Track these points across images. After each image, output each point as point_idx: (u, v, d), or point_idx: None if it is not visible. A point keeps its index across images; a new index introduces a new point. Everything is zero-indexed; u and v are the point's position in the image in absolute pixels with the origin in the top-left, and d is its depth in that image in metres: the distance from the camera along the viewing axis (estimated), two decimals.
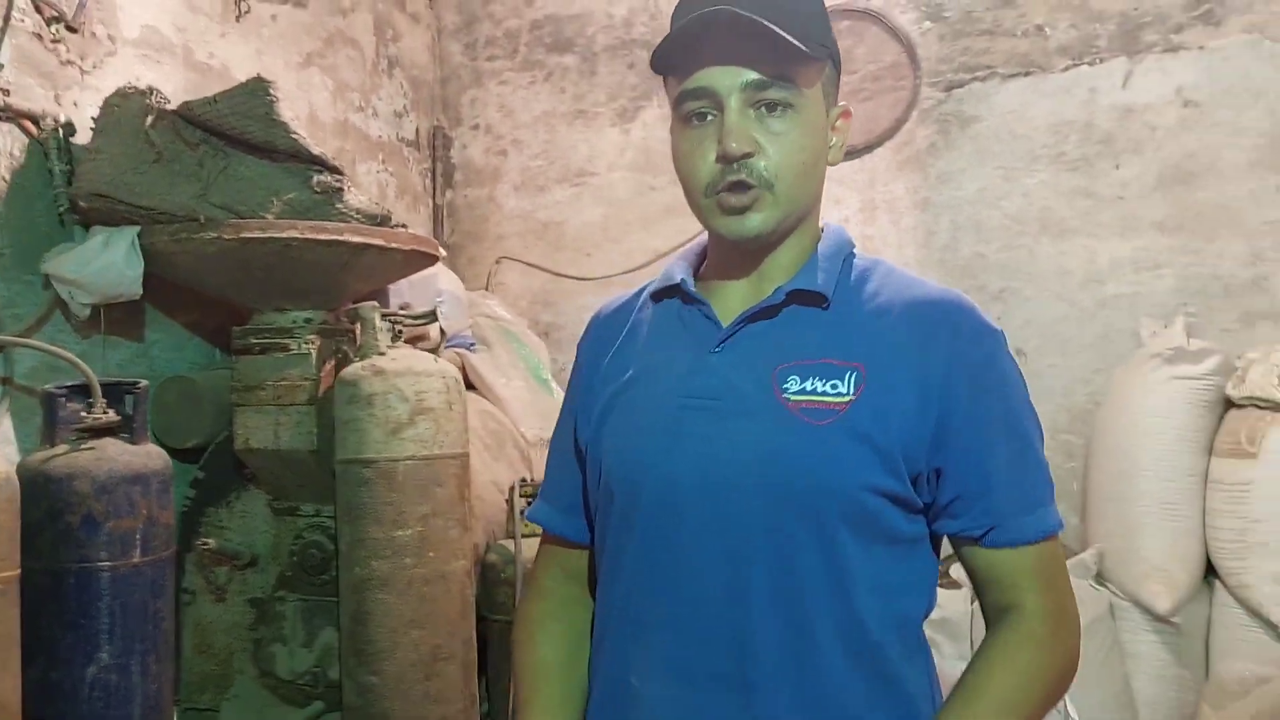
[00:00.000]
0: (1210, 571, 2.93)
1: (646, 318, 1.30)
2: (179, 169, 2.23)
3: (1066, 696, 2.39)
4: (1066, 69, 3.35)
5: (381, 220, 2.36)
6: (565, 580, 1.36)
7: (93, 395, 2.00)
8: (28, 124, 2.25)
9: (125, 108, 2.22)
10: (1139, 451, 2.95)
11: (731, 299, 1.22)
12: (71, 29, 2.32)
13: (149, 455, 2.04)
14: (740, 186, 1.12)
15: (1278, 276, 3.12)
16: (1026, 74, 3.41)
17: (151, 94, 2.24)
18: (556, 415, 3.37)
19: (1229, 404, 2.94)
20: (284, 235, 2.20)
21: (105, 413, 2.00)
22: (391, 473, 2.24)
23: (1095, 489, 3.11)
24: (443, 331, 2.83)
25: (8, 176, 2.23)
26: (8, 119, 2.22)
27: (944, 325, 1.15)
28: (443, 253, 2.67)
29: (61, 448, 1.95)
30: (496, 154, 4.13)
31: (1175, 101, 3.22)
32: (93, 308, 2.28)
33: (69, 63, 2.34)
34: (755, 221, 1.14)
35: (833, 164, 1.23)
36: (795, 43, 1.08)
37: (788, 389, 1.12)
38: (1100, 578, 3.01)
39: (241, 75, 2.92)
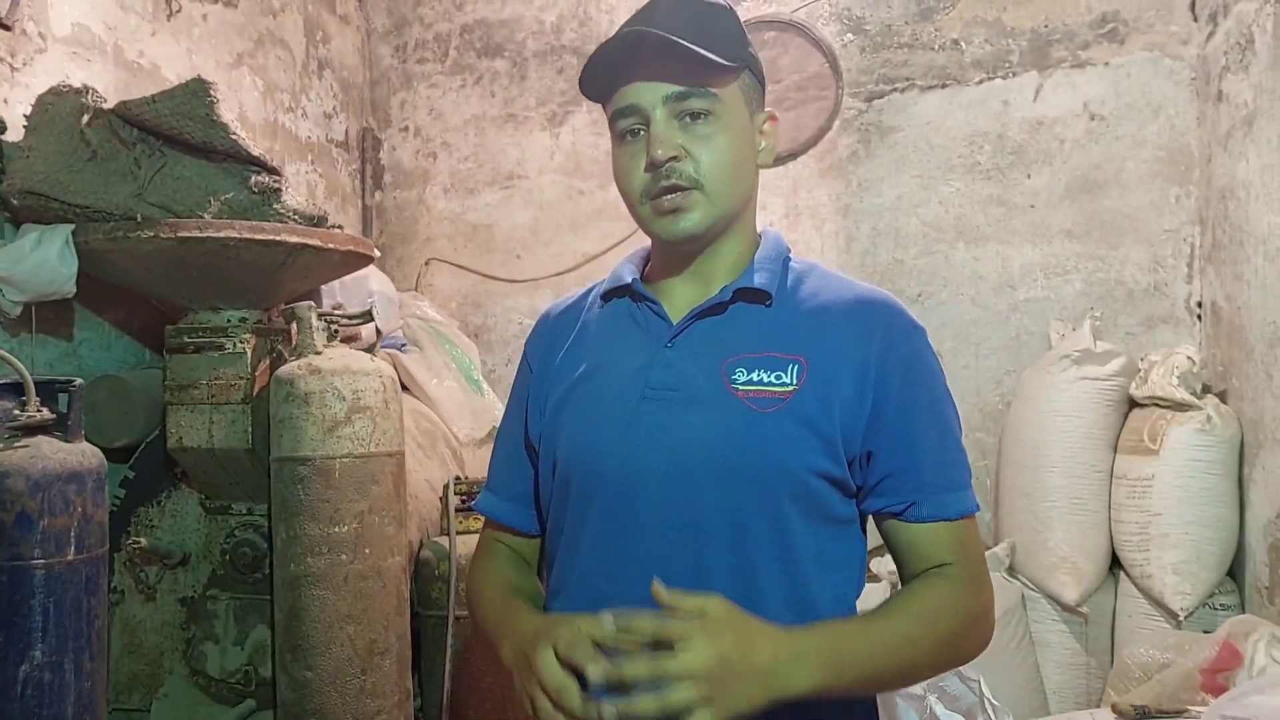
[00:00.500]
0: (1115, 563, 3.06)
1: (596, 316, 1.38)
2: (115, 168, 2.22)
3: (982, 680, 2.50)
4: (981, 82, 3.49)
5: (318, 221, 2.37)
6: (510, 551, 1.44)
7: (26, 393, 1.99)
8: None
9: (59, 106, 2.21)
10: (1048, 449, 3.07)
11: (678, 298, 1.31)
12: (5, 27, 2.30)
13: (84, 453, 2.03)
14: (672, 189, 1.21)
15: (1177, 283, 3.28)
16: (943, 86, 3.53)
17: (87, 93, 2.23)
18: (487, 415, 3.42)
19: (1133, 403, 3.07)
20: (222, 235, 2.21)
21: (39, 411, 1.98)
22: (328, 470, 2.27)
23: (1007, 485, 3.22)
24: (378, 331, 2.84)
25: None
26: None
27: (878, 321, 1.25)
28: (377, 253, 2.70)
29: None
30: (426, 156, 4.15)
31: (1082, 115, 3.37)
32: (23, 306, 2.26)
33: None
34: (689, 221, 1.23)
35: (763, 166, 1.33)
36: (706, 53, 1.18)
37: (736, 380, 1.21)
38: (1012, 570, 3.12)
39: (172, 74, 2.92)
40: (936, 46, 3.54)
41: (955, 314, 3.51)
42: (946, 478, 1.24)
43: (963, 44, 3.51)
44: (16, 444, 1.94)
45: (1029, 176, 3.43)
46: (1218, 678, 2.33)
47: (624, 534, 1.23)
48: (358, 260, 2.61)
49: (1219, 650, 2.37)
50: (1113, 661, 2.95)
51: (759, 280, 1.27)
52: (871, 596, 2.93)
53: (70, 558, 1.97)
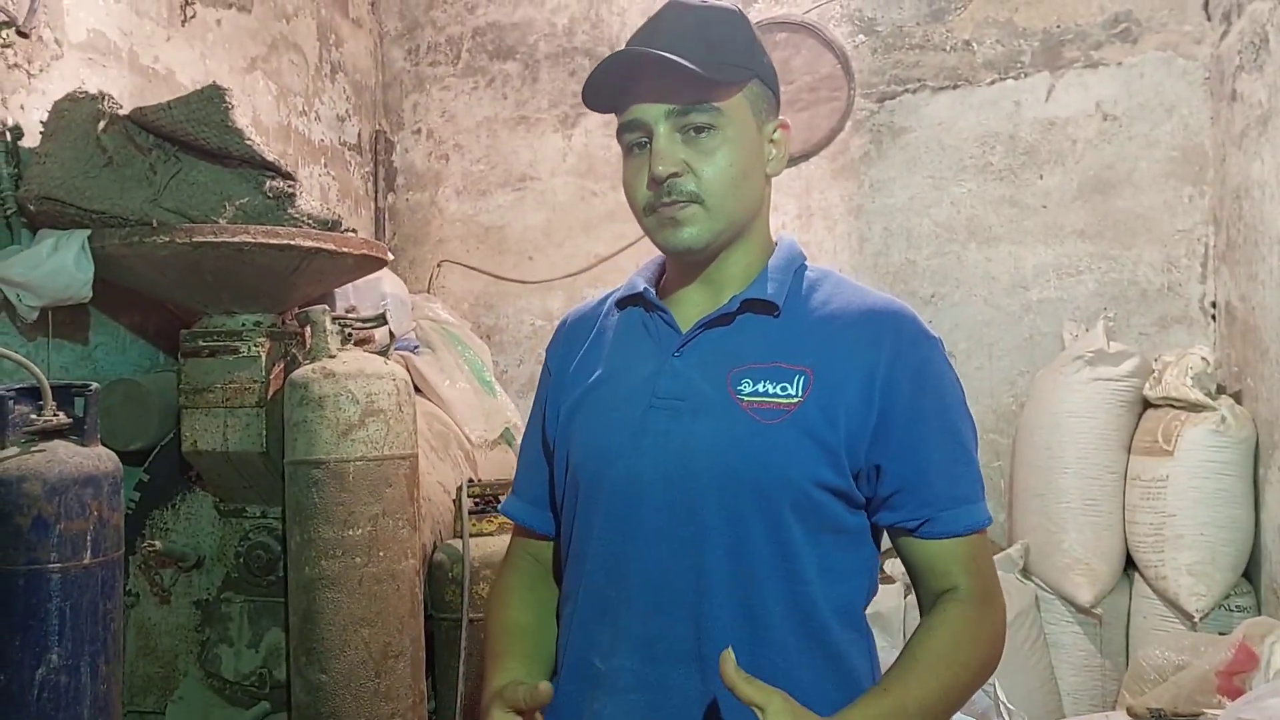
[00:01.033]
0: (1130, 564, 3.06)
1: (611, 324, 1.39)
2: (130, 173, 2.23)
3: (996, 684, 2.49)
4: (993, 83, 3.48)
5: (332, 225, 2.38)
6: (534, 563, 1.44)
7: (43, 397, 2.00)
8: None
9: (76, 112, 2.22)
10: (1062, 450, 3.07)
11: (689, 307, 1.31)
12: (22, 34, 2.31)
13: (99, 457, 2.04)
14: (672, 204, 1.21)
15: (1191, 283, 3.27)
16: (955, 87, 3.53)
17: (103, 99, 2.24)
18: (500, 416, 3.42)
19: (1146, 404, 3.07)
20: (237, 239, 2.22)
21: (56, 415, 2.00)
22: (342, 473, 2.27)
23: (1020, 486, 3.22)
24: (391, 334, 2.85)
25: None
26: None
27: (888, 331, 1.24)
28: (390, 257, 2.70)
29: (12, 450, 1.95)
30: (438, 158, 4.16)
31: (1095, 115, 3.37)
32: (39, 311, 2.27)
33: (16, 66, 2.34)
34: (688, 234, 1.23)
35: (773, 175, 1.32)
36: (701, 72, 1.17)
37: (741, 390, 1.21)
38: (1026, 571, 3.12)
39: (186, 80, 2.93)
40: (948, 47, 3.53)
41: (968, 315, 3.50)
42: (958, 491, 1.23)
43: (974, 45, 3.50)
44: (33, 448, 1.96)
45: (1041, 177, 3.42)
46: (1234, 680, 2.32)
47: (628, 541, 1.23)
48: (371, 264, 2.62)
49: (1235, 652, 2.37)
50: (1128, 663, 2.95)
51: (768, 291, 1.26)
52: (886, 599, 2.96)
53: (86, 561, 1.98)
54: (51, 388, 2.01)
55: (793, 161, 3.64)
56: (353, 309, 2.80)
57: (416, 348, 3.41)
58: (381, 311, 2.65)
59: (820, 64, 3.64)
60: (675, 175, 1.20)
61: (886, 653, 1.23)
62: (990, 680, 2.47)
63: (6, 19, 2.29)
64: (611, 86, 1.25)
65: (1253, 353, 2.87)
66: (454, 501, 2.81)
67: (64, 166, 2.20)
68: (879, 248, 3.61)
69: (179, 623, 2.58)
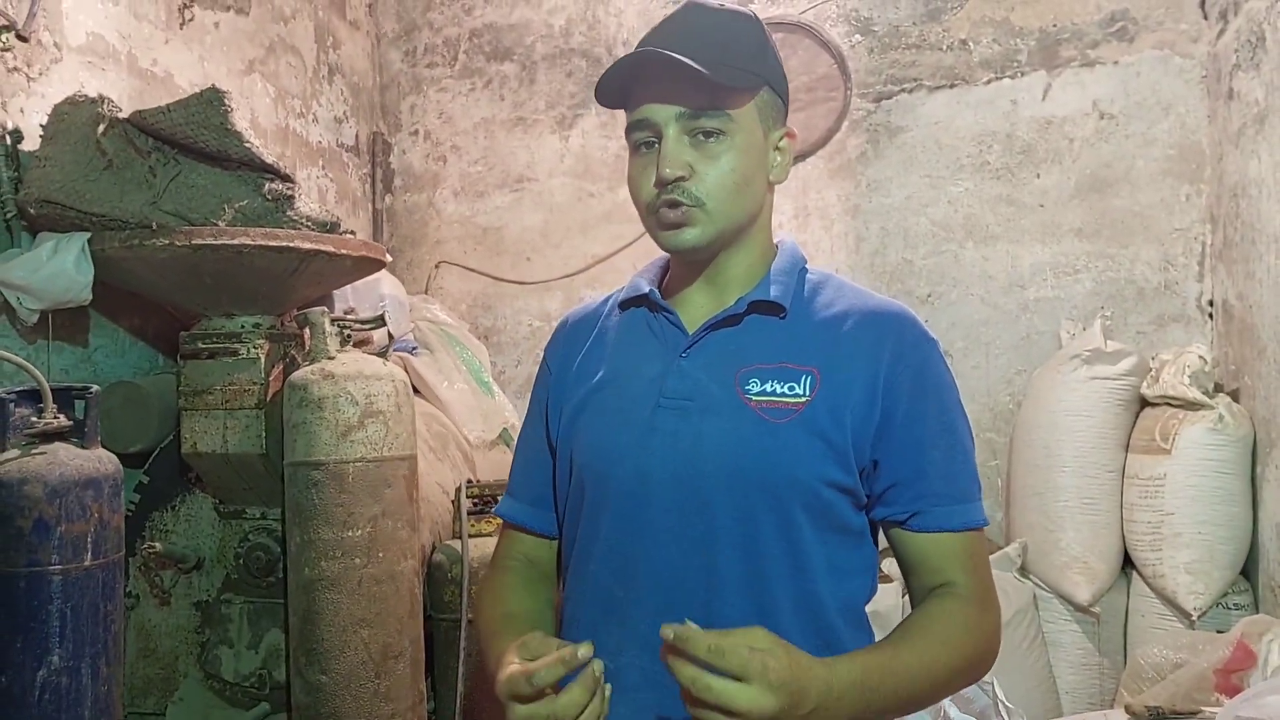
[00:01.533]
0: (1128, 563, 3.06)
1: (614, 324, 1.40)
2: (130, 176, 2.24)
3: (995, 682, 2.50)
4: (989, 82, 3.49)
5: (331, 227, 2.39)
6: (528, 563, 1.44)
7: (43, 400, 2.01)
8: None
9: (75, 115, 2.23)
10: (1059, 449, 3.07)
11: (693, 308, 1.32)
12: (22, 38, 2.32)
13: (100, 460, 2.05)
14: (674, 204, 1.22)
15: (1188, 281, 3.28)
16: (951, 86, 3.53)
17: (103, 102, 2.24)
18: (498, 417, 3.43)
19: (1144, 402, 3.07)
20: (236, 242, 2.22)
21: (56, 417, 2.01)
22: (342, 474, 2.28)
23: (1018, 485, 3.22)
24: (390, 336, 2.86)
25: None
26: None
27: (889, 331, 1.26)
28: (389, 258, 2.71)
29: (12, 452, 1.95)
30: (436, 160, 4.16)
31: (1092, 114, 3.37)
32: (40, 313, 2.28)
33: (15, 70, 2.34)
34: (689, 236, 1.24)
35: (777, 182, 1.33)
36: (714, 79, 1.18)
37: (749, 390, 1.22)
38: (1024, 570, 3.12)
39: (184, 82, 2.93)
40: (944, 47, 3.54)
41: (965, 314, 3.51)
42: (953, 488, 1.24)
43: (971, 44, 3.51)
44: (34, 451, 1.97)
45: (1038, 176, 3.43)
46: (1232, 678, 2.32)
47: (636, 540, 1.24)
48: (370, 265, 2.63)
49: (1233, 650, 2.37)
50: (1126, 662, 2.94)
51: (773, 292, 1.28)
52: (884, 598, 2.96)
53: (87, 563, 1.99)
54: (52, 390, 2.02)
55: None
56: (351, 310, 2.81)
57: (415, 349, 3.41)
58: (380, 313, 2.66)
59: (817, 64, 3.64)
60: (681, 179, 1.21)
61: None
62: (989, 678, 2.49)
63: (6, 23, 2.29)
64: (624, 84, 1.26)
65: (1250, 351, 2.88)
66: (453, 502, 2.81)
67: (64, 170, 2.20)
68: (876, 247, 3.62)
69: (179, 624, 2.59)
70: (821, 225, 3.68)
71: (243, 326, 2.47)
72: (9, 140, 2.28)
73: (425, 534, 2.64)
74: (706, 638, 0.99)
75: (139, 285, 2.44)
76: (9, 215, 2.29)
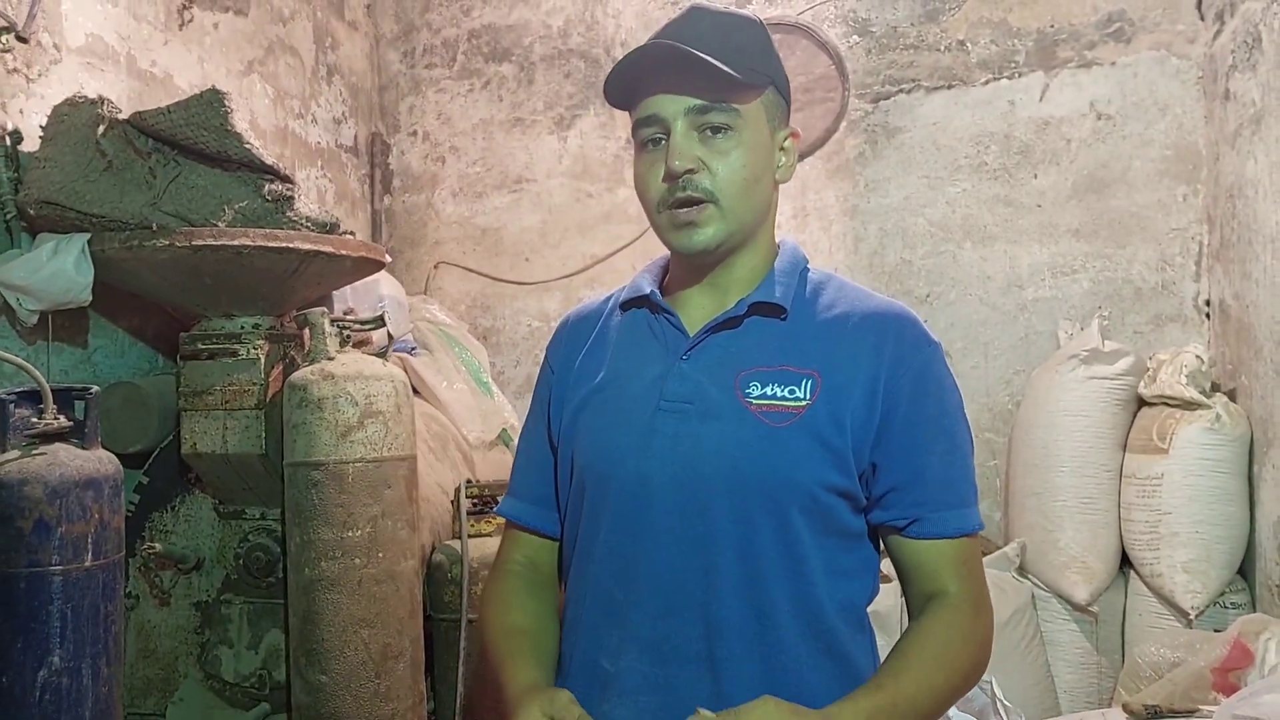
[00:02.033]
0: (1125, 562, 3.07)
1: (615, 325, 1.39)
2: (130, 177, 2.24)
3: (994, 681, 2.50)
4: (987, 83, 3.50)
5: (330, 228, 2.39)
6: (530, 565, 1.43)
7: (43, 401, 2.01)
8: None
9: (75, 116, 2.23)
10: (1058, 448, 3.08)
11: (695, 310, 1.32)
12: (21, 39, 2.32)
13: (100, 460, 2.05)
14: (688, 202, 1.22)
15: (1185, 281, 3.29)
16: (949, 87, 3.54)
17: (103, 103, 2.25)
18: (497, 417, 3.43)
19: (1141, 402, 3.08)
20: (236, 243, 2.22)
21: (56, 418, 2.01)
22: (341, 475, 2.28)
23: (1016, 485, 3.23)
24: (390, 336, 2.86)
25: None
26: None
27: (890, 335, 1.26)
28: (388, 259, 2.71)
29: (13, 453, 1.95)
30: (434, 160, 4.17)
31: (1089, 114, 3.38)
32: (39, 314, 2.28)
33: (15, 71, 2.35)
34: (704, 236, 1.24)
35: (782, 181, 1.34)
36: (727, 70, 1.18)
37: (749, 393, 1.23)
38: (1022, 570, 3.13)
39: (184, 83, 2.94)
40: (942, 47, 3.55)
41: (963, 314, 3.51)
42: (951, 494, 1.25)
43: (968, 45, 3.52)
44: (34, 451, 1.97)
45: (1036, 176, 3.44)
46: (1229, 677, 2.33)
47: (636, 542, 1.24)
48: (369, 266, 2.63)
49: (1230, 649, 2.38)
50: (1124, 661, 2.96)
51: (775, 294, 1.28)
52: (884, 599, 2.96)
53: (88, 564, 1.99)
54: (52, 391, 2.02)
55: None
56: (351, 311, 2.81)
57: (414, 349, 3.42)
58: (379, 313, 2.66)
59: (815, 65, 3.65)
60: (691, 171, 1.22)
61: (885, 651, 1.24)
62: (987, 677, 2.49)
63: (6, 24, 2.29)
64: (631, 81, 1.25)
65: (1247, 351, 2.89)
66: (452, 502, 2.81)
67: (63, 171, 2.20)
68: (874, 247, 3.62)
69: (179, 624, 2.59)
70: (820, 226, 3.68)
71: (242, 327, 2.47)
72: (9, 141, 2.28)
73: (425, 534, 2.64)
74: None
75: (139, 286, 2.45)
76: (9, 216, 2.29)
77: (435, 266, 4.14)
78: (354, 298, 2.99)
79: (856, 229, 3.65)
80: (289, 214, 2.31)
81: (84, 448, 2.05)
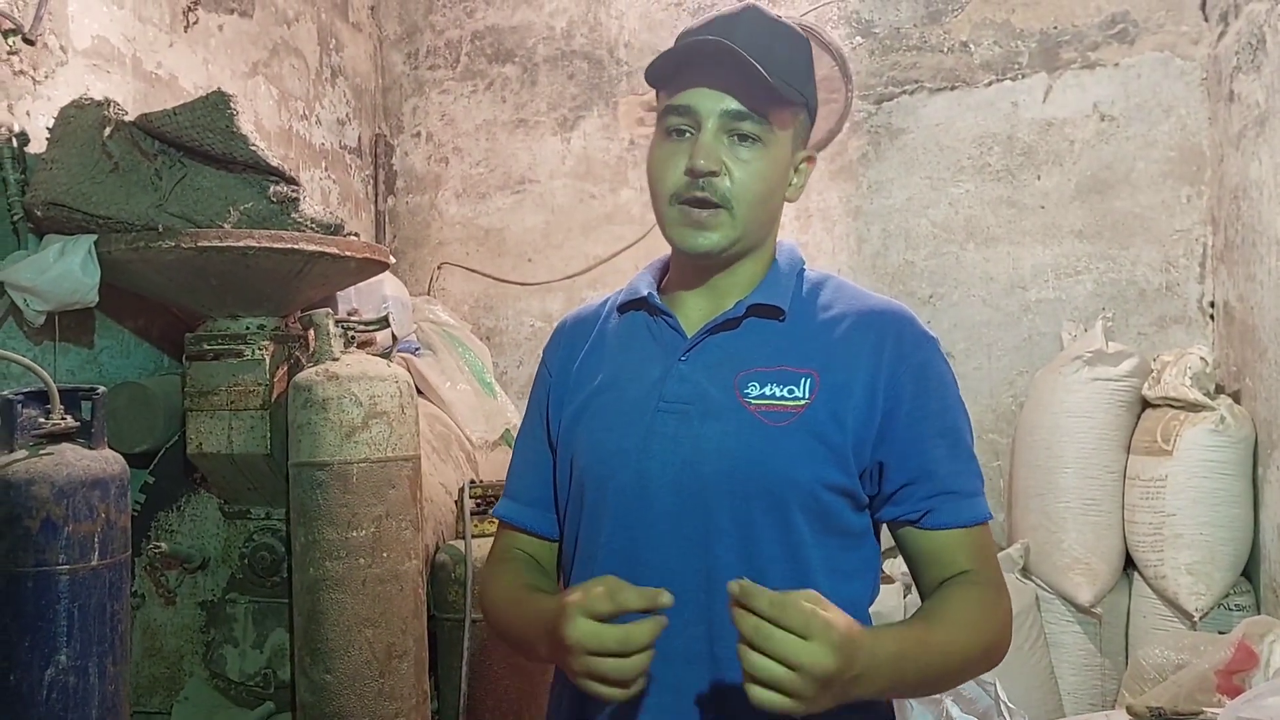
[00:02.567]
0: (1129, 564, 3.07)
1: (613, 328, 1.40)
2: (136, 179, 2.25)
3: (997, 683, 2.51)
4: (990, 84, 3.50)
5: (335, 229, 2.40)
6: (528, 557, 1.43)
7: (50, 401, 2.01)
8: None
9: (81, 118, 2.24)
10: (1061, 450, 3.08)
11: (693, 311, 1.33)
12: (28, 41, 2.33)
13: (107, 460, 2.06)
14: (703, 203, 1.23)
15: (1189, 283, 3.29)
16: (952, 88, 3.54)
17: (109, 105, 2.26)
18: (500, 417, 3.43)
19: (1145, 404, 3.08)
20: (241, 244, 2.24)
21: (63, 418, 2.01)
22: (346, 475, 2.29)
23: (1020, 486, 3.23)
24: (394, 337, 2.87)
25: None
26: None
27: (889, 332, 1.27)
28: (392, 260, 2.72)
29: (20, 453, 1.96)
30: (438, 161, 4.17)
31: (1093, 115, 3.38)
32: (46, 315, 2.29)
33: (22, 73, 2.36)
34: (710, 239, 1.25)
35: (790, 201, 1.34)
36: (775, 85, 1.19)
37: (748, 394, 1.23)
38: (1026, 571, 3.13)
39: (189, 85, 2.95)
40: (945, 49, 3.55)
41: (967, 315, 3.52)
42: (960, 486, 1.25)
43: (971, 46, 3.52)
44: (41, 451, 1.97)
45: (1039, 177, 3.44)
46: (1233, 679, 2.33)
47: (637, 543, 1.25)
48: (373, 267, 2.64)
49: (1234, 651, 2.38)
50: (1127, 663, 2.95)
51: (773, 295, 1.29)
52: (885, 599, 2.97)
53: (94, 563, 1.99)
54: (59, 391, 2.03)
55: None
56: (355, 312, 2.82)
57: (418, 350, 3.42)
58: (384, 314, 2.67)
59: (818, 66, 3.62)
60: (714, 173, 1.22)
61: None
62: (990, 678, 2.50)
63: (13, 26, 2.31)
64: (676, 67, 1.25)
65: (1251, 352, 2.89)
66: (456, 502, 2.82)
67: (70, 172, 2.21)
68: (877, 248, 3.63)
69: (184, 624, 2.60)
70: (823, 227, 3.69)
71: (248, 328, 2.48)
72: (15, 143, 2.29)
73: (429, 534, 2.65)
74: (769, 593, 0.99)
75: (145, 287, 2.46)
76: (16, 218, 2.30)
77: (438, 267, 4.14)
78: (358, 298, 3.00)
79: (859, 230, 3.65)
80: (294, 215, 2.32)
81: (90, 448, 2.05)
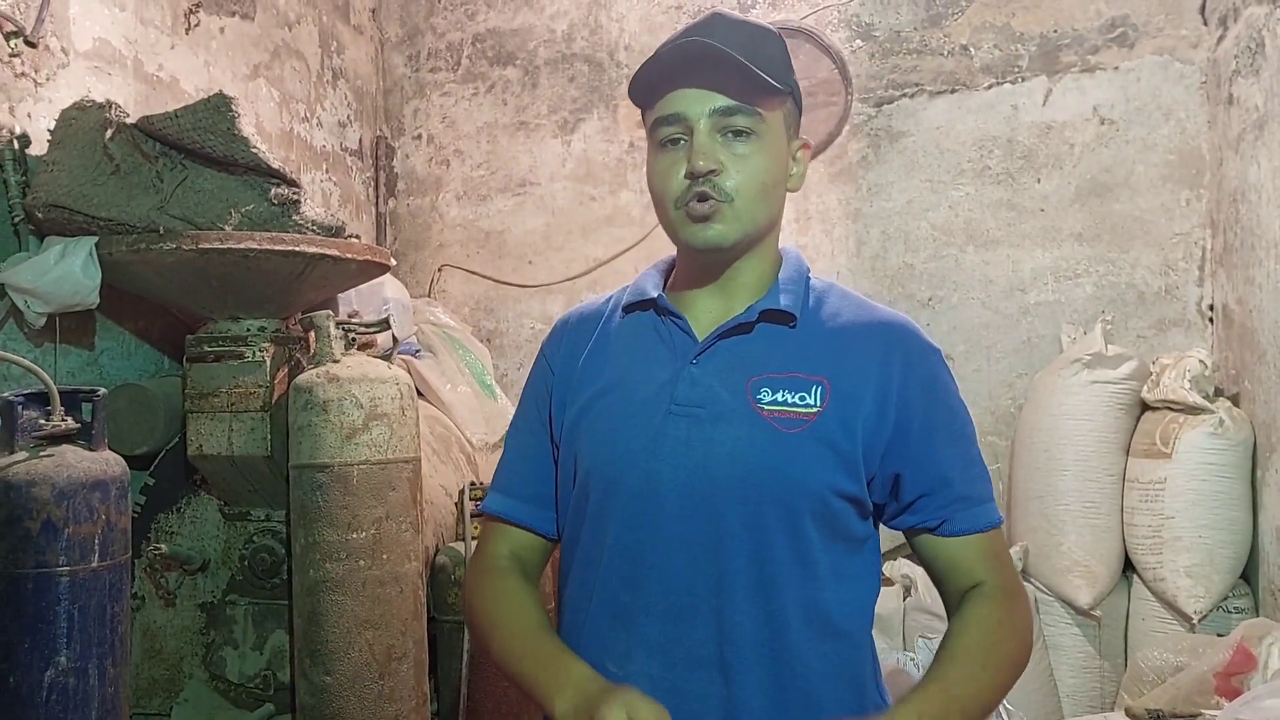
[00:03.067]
0: (1128, 566, 3.07)
1: (617, 327, 1.39)
2: (137, 181, 2.26)
3: None
4: (990, 87, 3.50)
5: (336, 231, 2.40)
6: (516, 561, 1.41)
7: (51, 403, 2.02)
8: None
9: (83, 120, 2.25)
10: (1060, 452, 3.08)
11: (702, 313, 1.33)
12: (30, 43, 2.34)
13: (107, 462, 2.06)
14: (704, 198, 1.23)
15: (1188, 286, 3.29)
16: (952, 91, 3.55)
17: (110, 107, 2.26)
18: (501, 419, 3.44)
19: (1145, 406, 3.08)
20: (242, 246, 2.24)
21: (64, 420, 2.01)
22: (346, 477, 2.29)
23: (1019, 488, 3.23)
24: (394, 339, 2.87)
25: None
26: None
27: (896, 344, 1.28)
28: (393, 262, 2.72)
29: (21, 455, 1.96)
30: (439, 164, 4.18)
31: (1092, 119, 3.39)
32: (47, 316, 2.29)
33: (23, 75, 2.36)
34: (716, 232, 1.25)
35: (793, 190, 1.35)
36: (760, 74, 1.20)
37: (761, 399, 1.24)
38: (1025, 573, 3.13)
39: (190, 87, 2.95)
40: (945, 52, 3.55)
41: (966, 317, 3.52)
42: (974, 493, 1.27)
43: (971, 49, 3.52)
44: (42, 453, 1.97)
45: (1039, 180, 3.44)
46: (1232, 681, 2.33)
47: (645, 546, 1.24)
48: (374, 269, 2.64)
49: (1233, 653, 2.38)
50: (1126, 665, 2.96)
51: (784, 301, 1.29)
52: (885, 602, 2.98)
53: (95, 565, 1.99)
54: (59, 393, 2.03)
55: None
56: (355, 314, 2.82)
57: (418, 351, 3.43)
58: (385, 316, 2.67)
59: (818, 69, 3.66)
60: (713, 172, 1.22)
61: (886, 654, 1.25)
62: None
63: (15, 28, 2.31)
64: (658, 76, 1.26)
65: (1250, 355, 2.89)
66: (456, 504, 2.83)
67: (71, 174, 2.22)
68: (877, 251, 3.63)
69: (184, 625, 2.60)
70: (822, 229, 3.69)
71: (248, 330, 2.48)
72: (17, 145, 2.30)
73: (428, 536, 2.65)
74: None
75: (145, 289, 2.46)
76: (17, 219, 2.30)
77: (439, 269, 4.15)
78: (359, 300, 3.00)
79: (859, 232, 3.65)
80: (295, 217, 2.32)
81: (91, 449, 2.05)
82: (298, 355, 2.52)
